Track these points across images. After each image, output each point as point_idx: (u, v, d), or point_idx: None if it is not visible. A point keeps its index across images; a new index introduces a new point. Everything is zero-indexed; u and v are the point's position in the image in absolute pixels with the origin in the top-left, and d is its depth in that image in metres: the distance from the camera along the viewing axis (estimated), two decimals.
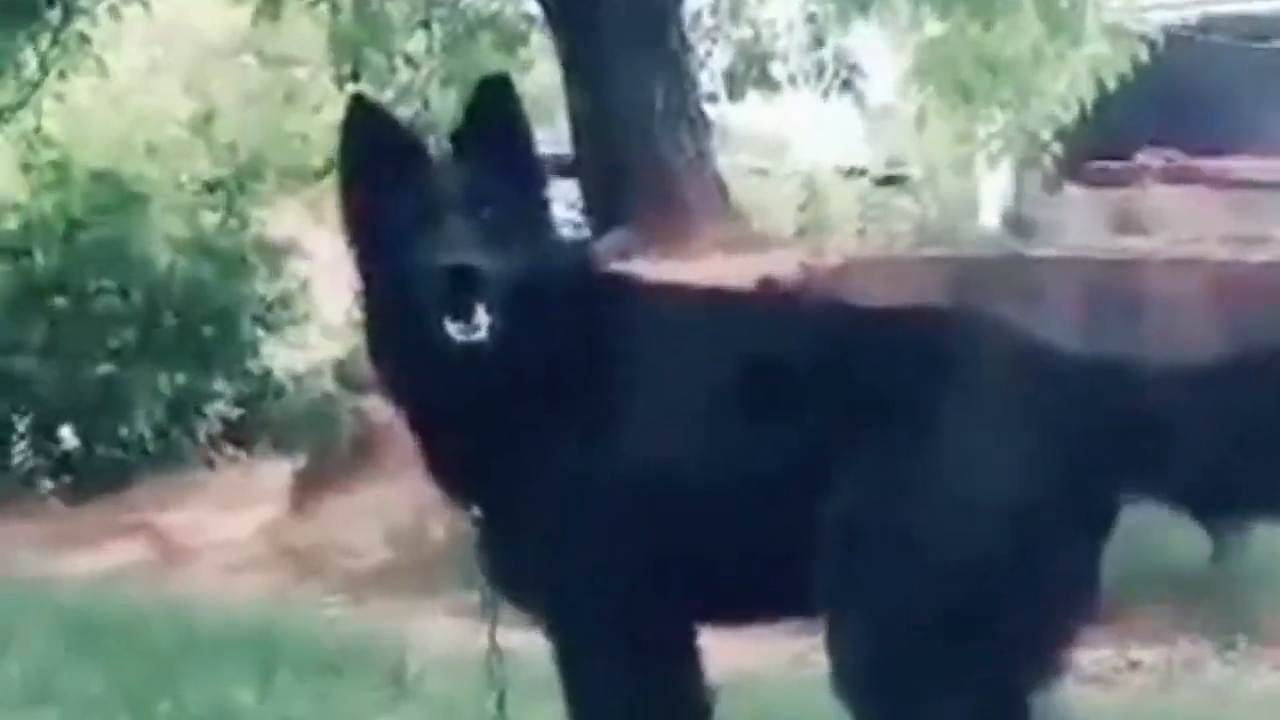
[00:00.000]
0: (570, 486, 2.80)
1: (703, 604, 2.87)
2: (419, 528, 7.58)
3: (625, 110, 9.23)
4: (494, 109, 2.85)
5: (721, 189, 9.41)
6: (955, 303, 5.63)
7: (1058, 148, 10.53)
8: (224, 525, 9.34)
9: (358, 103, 2.98)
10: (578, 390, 2.82)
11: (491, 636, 3.03)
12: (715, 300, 3.11)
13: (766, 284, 7.20)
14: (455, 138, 2.90)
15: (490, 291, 2.72)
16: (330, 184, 11.69)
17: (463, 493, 2.94)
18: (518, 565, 2.88)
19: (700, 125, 9.46)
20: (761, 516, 2.75)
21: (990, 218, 11.51)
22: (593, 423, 2.80)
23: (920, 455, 2.66)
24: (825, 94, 11.79)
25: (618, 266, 3.25)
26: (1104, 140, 10.00)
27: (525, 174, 2.87)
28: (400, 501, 7.75)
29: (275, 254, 11.97)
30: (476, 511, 2.90)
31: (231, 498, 10.26)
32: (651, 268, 4.36)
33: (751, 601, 2.93)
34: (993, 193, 12.18)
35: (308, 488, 8.78)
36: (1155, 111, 10.12)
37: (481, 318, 2.71)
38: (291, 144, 12.43)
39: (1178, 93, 10.87)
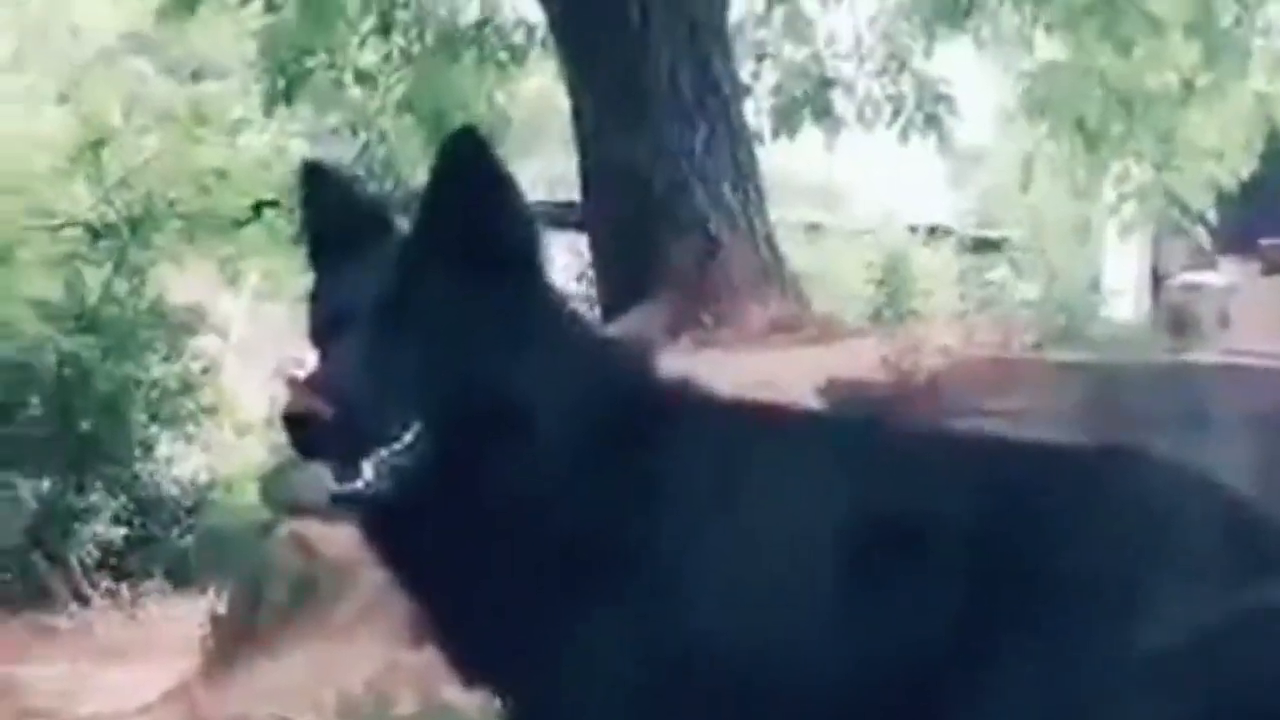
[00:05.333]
0: (617, 672, 2.89)
1: None
2: (378, 699, 7.60)
3: (655, 152, 9.32)
4: (461, 175, 2.94)
5: (776, 256, 9.48)
6: (1105, 428, 5.73)
7: (1213, 215, 10.58)
8: (107, 687, 9.34)
9: (309, 173, 3.17)
10: (622, 548, 2.92)
11: None
12: (822, 428, 3.21)
13: (839, 388, 7.29)
14: (418, 211, 3.01)
15: (365, 439, 2.79)
16: (252, 236, 11.81)
17: (475, 675, 3.07)
18: None
19: (749, 172, 9.55)
20: (887, 708, 2.83)
21: (1120, 303, 11.55)
22: (648, 593, 2.90)
23: (1109, 655, 2.73)
24: (904, 133, 11.89)
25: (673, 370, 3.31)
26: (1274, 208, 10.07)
27: (509, 257, 2.95)
28: (354, 663, 7.77)
29: (177, 326, 12.04)
30: (496, 700, 3.02)
31: (115, 649, 10.26)
32: (683, 360, 4.39)
33: None
34: (1120, 270, 12.24)
35: (227, 641, 8.78)
36: None
37: (363, 472, 2.81)
38: (202, 181, 12.48)
39: None
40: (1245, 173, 10.26)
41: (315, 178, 3.19)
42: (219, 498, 11.58)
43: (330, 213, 3.12)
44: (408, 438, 2.83)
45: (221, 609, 9.09)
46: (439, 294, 2.90)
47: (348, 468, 2.83)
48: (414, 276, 2.92)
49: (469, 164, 2.95)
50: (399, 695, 7.55)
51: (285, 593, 8.54)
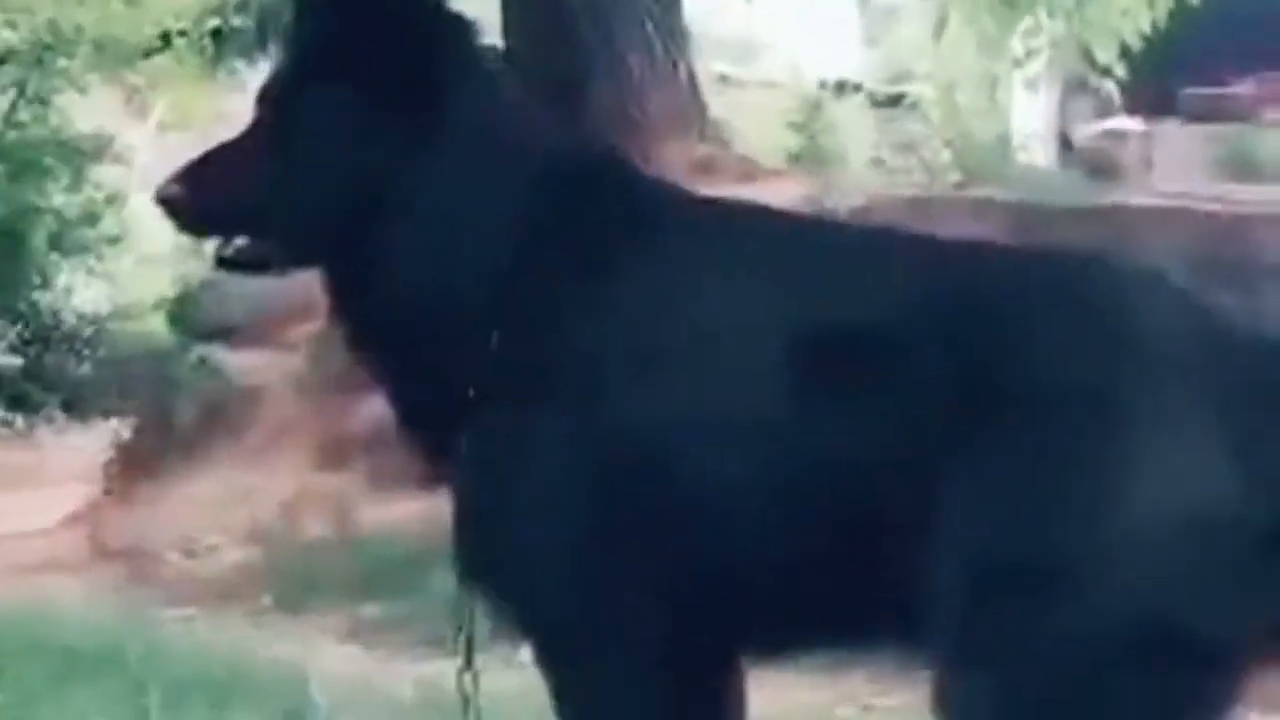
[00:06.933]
0: (570, 459, 2.78)
1: (749, 627, 2.86)
2: (289, 522, 7.54)
3: None
4: None
5: (697, 99, 9.38)
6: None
7: (1121, 70, 10.56)
8: (13, 511, 9.18)
9: None
10: (571, 345, 2.81)
11: (467, 666, 3.00)
12: (788, 224, 3.10)
13: None
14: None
15: (230, 226, 2.89)
16: (160, 66, 11.50)
17: (427, 457, 2.97)
18: (498, 564, 2.87)
19: (674, 14, 9.42)
20: (844, 523, 2.70)
21: (1026, 158, 11.49)
22: (596, 393, 2.78)
23: (1079, 460, 2.60)
24: None
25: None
26: (1187, 63, 10.06)
27: (431, 40, 2.88)
28: (265, 488, 7.71)
29: (80, 155, 11.77)
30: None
31: (12, 475, 10.08)
32: None
33: (811, 630, 2.90)
34: (1026, 126, 12.19)
35: (132, 466, 8.67)
36: (1252, 33, 10.12)
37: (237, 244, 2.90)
38: (110, 8, 12.14)
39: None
40: (1148, 28, 10.20)
41: None
42: (119, 327, 11.37)
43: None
44: (291, 221, 2.87)
45: (126, 434, 8.98)
46: (334, 80, 2.85)
47: (225, 240, 2.91)
48: (315, 60, 2.89)
49: None
50: (310, 519, 7.51)
51: (193, 418, 8.45)
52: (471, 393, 2.83)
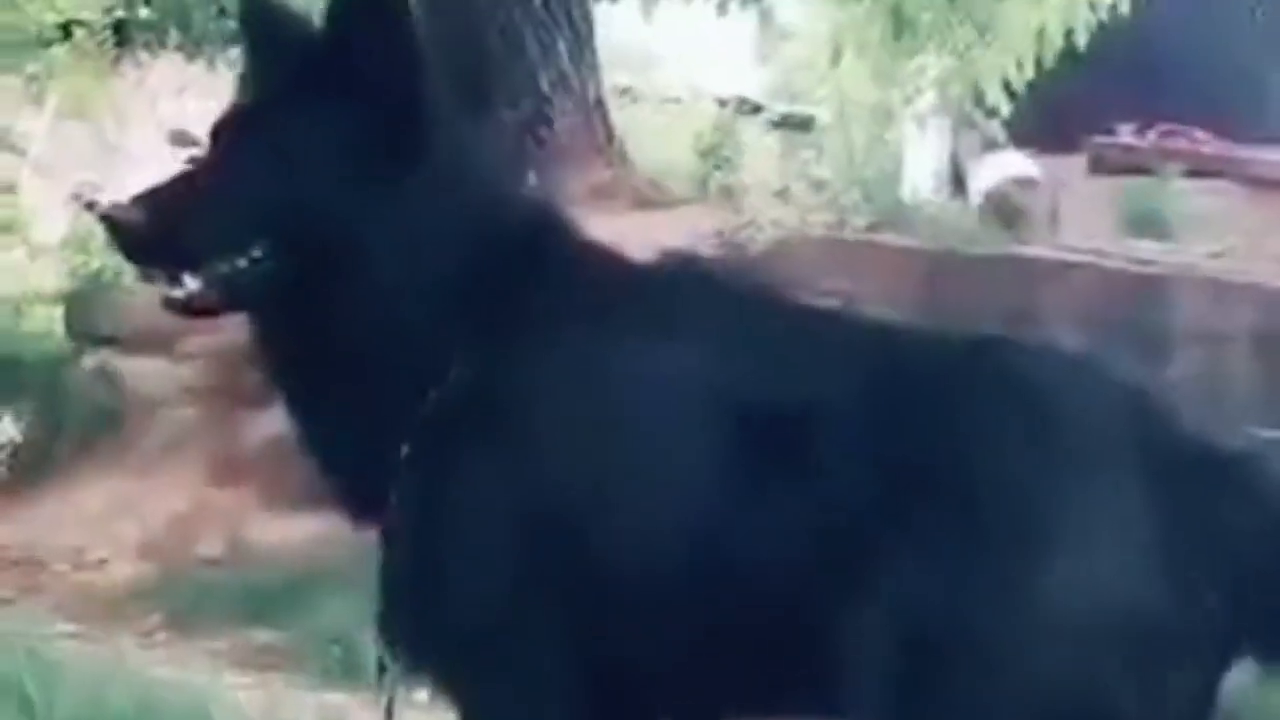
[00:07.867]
0: (501, 522, 2.77)
1: (675, 692, 2.86)
2: (180, 538, 7.40)
3: (492, 5, 9.02)
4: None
5: (605, 120, 9.26)
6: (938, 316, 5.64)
7: (1006, 111, 10.49)
8: None
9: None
10: (488, 399, 2.79)
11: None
12: (723, 298, 3.07)
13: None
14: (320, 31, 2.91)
15: (182, 254, 2.79)
16: (59, 55, 11.31)
17: (349, 506, 2.93)
18: (417, 618, 2.85)
19: (585, 34, 9.30)
20: (771, 596, 2.72)
21: (932, 191, 11.43)
22: (515, 451, 2.78)
23: (999, 544, 2.63)
24: (722, 8, 11.78)
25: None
26: (1077, 109, 10.05)
27: (390, 88, 2.82)
28: (158, 499, 7.56)
29: None
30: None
31: None
32: None
33: (733, 698, 2.89)
34: (918, 160, 12.12)
35: (21, 469, 8.47)
36: (1128, 79, 10.12)
37: (184, 282, 2.80)
38: None
39: (1157, 56, 11.00)
40: (1032, 73, 10.11)
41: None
42: (11, 322, 11.10)
43: (262, 22, 2.99)
44: (246, 258, 2.78)
45: (17, 436, 8.75)
46: (305, 116, 2.81)
47: (171, 276, 2.81)
48: (284, 94, 2.85)
49: None
50: (205, 535, 7.37)
51: (87, 424, 8.26)
52: (405, 451, 2.80)
